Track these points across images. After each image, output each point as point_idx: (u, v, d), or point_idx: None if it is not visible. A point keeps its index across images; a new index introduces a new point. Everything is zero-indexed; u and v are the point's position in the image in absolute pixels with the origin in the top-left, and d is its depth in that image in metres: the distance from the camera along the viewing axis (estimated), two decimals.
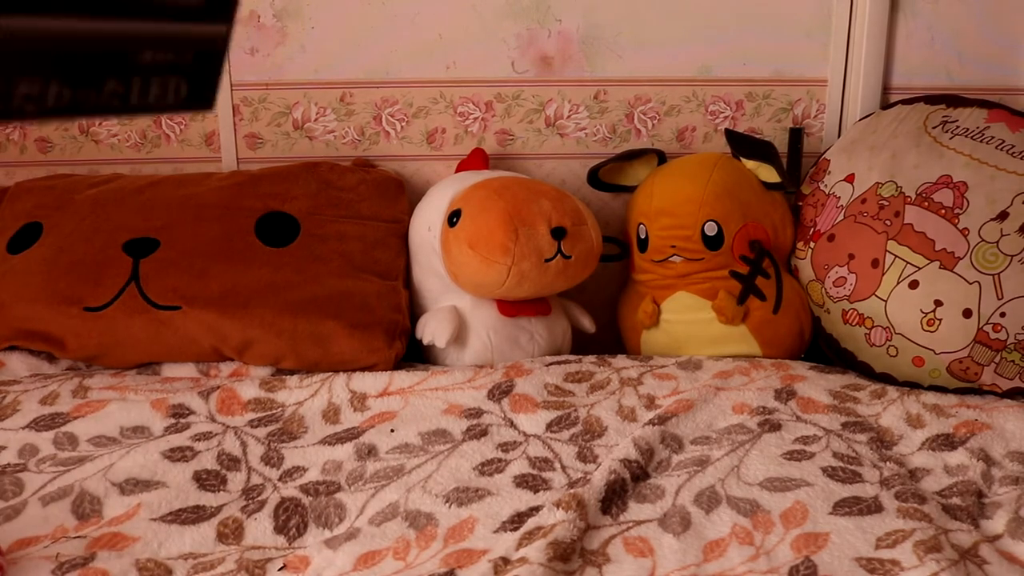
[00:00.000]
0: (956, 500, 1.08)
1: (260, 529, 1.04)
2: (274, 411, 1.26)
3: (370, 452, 1.17)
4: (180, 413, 1.23)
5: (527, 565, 0.91)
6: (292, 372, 1.36)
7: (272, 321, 1.37)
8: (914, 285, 1.40)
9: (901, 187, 1.45)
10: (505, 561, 0.94)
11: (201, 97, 0.43)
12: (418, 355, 1.48)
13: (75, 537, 1.01)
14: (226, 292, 1.38)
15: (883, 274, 1.43)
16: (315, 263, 1.44)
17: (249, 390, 1.29)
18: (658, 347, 1.53)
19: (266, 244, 1.44)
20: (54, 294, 1.37)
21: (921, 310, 1.39)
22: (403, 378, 1.32)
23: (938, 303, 1.39)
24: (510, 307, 1.45)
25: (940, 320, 1.38)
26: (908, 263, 1.41)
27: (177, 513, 1.05)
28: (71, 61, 0.37)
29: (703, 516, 1.02)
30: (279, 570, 0.96)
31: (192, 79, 0.43)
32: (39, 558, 0.96)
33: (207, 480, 1.11)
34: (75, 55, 0.37)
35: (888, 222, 1.43)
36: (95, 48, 0.38)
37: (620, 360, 1.41)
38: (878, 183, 1.47)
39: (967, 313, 1.37)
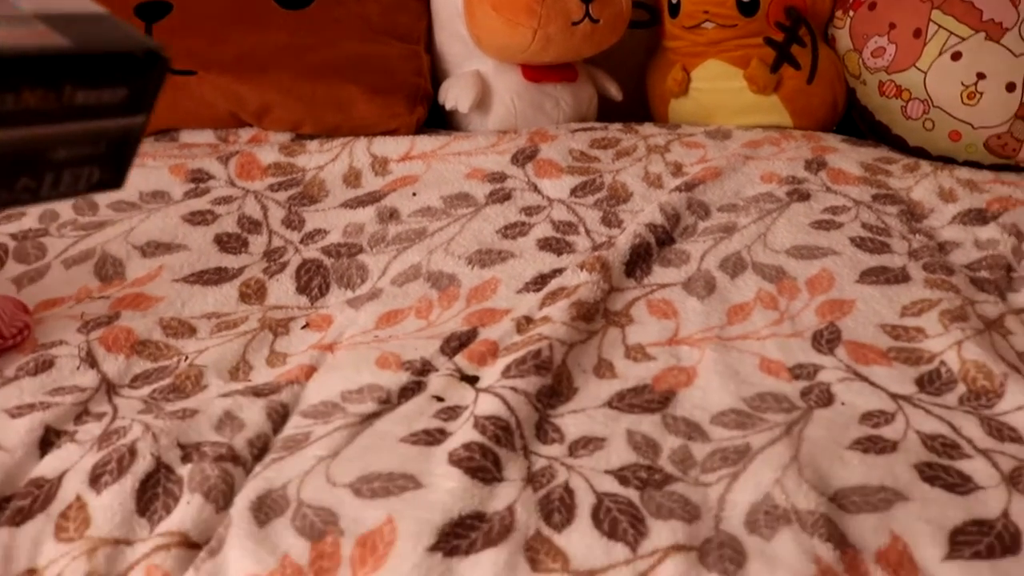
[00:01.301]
0: (984, 273, 1.07)
1: (282, 289, 1.04)
2: (294, 175, 1.25)
3: (392, 215, 1.15)
4: (199, 178, 1.22)
5: (550, 324, 0.91)
6: (312, 137, 1.33)
7: (290, 86, 1.34)
8: (956, 56, 1.35)
9: None
10: (528, 320, 0.94)
11: (112, 179, 0.42)
12: (440, 121, 1.45)
13: (99, 298, 1.01)
14: (242, 56, 1.35)
15: (924, 44, 1.37)
16: (334, 26, 1.39)
17: (269, 155, 1.27)
18: (686, 116, 1.49)
19: (283, 6, 1.40)
20: None
21: (962, 83, 1.34)
22: (425, 142, 1.29)
23: (980, 76, 1.34)
24: (535, 72, 1.40)
25: (981, 94, 1.33)
26: (952, 33, 1.35)
27: (199, 275, 1.05)
28: None
29: (728, 281, 1.02)
30: (302, 328, 0.97)
31: (104, 165, 0.42)
32: (64, 318, 0.96)
33: (228, 243, 1.10)
34: None
35: None
36: (9, 154, 0.37)
37: (647, 127, 1.38)
38: None
39: (1011, 87, 1.33)
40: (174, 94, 1.32)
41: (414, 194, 1.19)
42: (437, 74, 1.47)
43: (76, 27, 0.40)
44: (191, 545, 0.70)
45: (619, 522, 0.69)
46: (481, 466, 0.73)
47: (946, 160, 1.38)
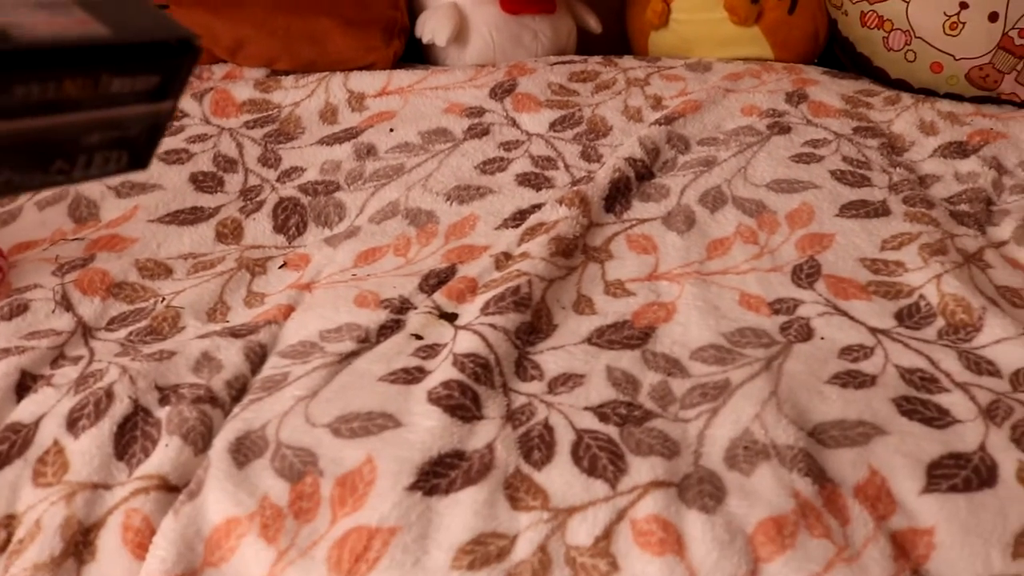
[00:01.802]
0: (964, 207, 1.07)
1: (259, 229, 1.03)
2: (270, 112, 1.23)
3: (369, 151, 1.14)
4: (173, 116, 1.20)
5: (529, 260, 0.90)
6: (287, 73, 1.31)
7: (264, 19, 1.31)
8: None
9: None
10: (507, 256, 0.93)
11: (139, 161, 0.43)
12: (418, 55, 1.42)
13: (73, 240, 0.99)
14: None
15: None
16: None
17: (243, 91, 1.25)
18: (666, 49, 1.47)
19: None
20: None
21: (945, 12, 1.33)
22: (402, 77, 1.28)
23: (963, 5, 1.32)
24: (513, 4, 1.38)
25: (964, 24, 1.32)
26: None
27: (175, 214, 1.03)
28: (21, 152, 0.38)
29: (708, 215, 1.01)
30: (279, 267, 0.96)
31: (133, 148, 0.43)
32: (39, 260, 0.95)
33: (204, 182, 1.09)
34: (27, 147, 0.38)
35: None
36: (47, 139, 0.39)
37: (627, 61, 1.37)
38: None
39: (993, 16, 1.31)
40: None
41: (391, 130, 1.17)
42: (414, 7, 1.45)
43: (112, 13, 0.41)
44: (170, 488, 0.70)
45: (599, 459, 0.69)
46: (460, 404, 0.73)
47: (927, 92, 1.37)
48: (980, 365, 0.80)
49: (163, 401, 0.76)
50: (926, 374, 0.79)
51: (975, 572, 0.62)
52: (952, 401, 0.76)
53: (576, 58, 1.37)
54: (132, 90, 0.41)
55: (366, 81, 1.27)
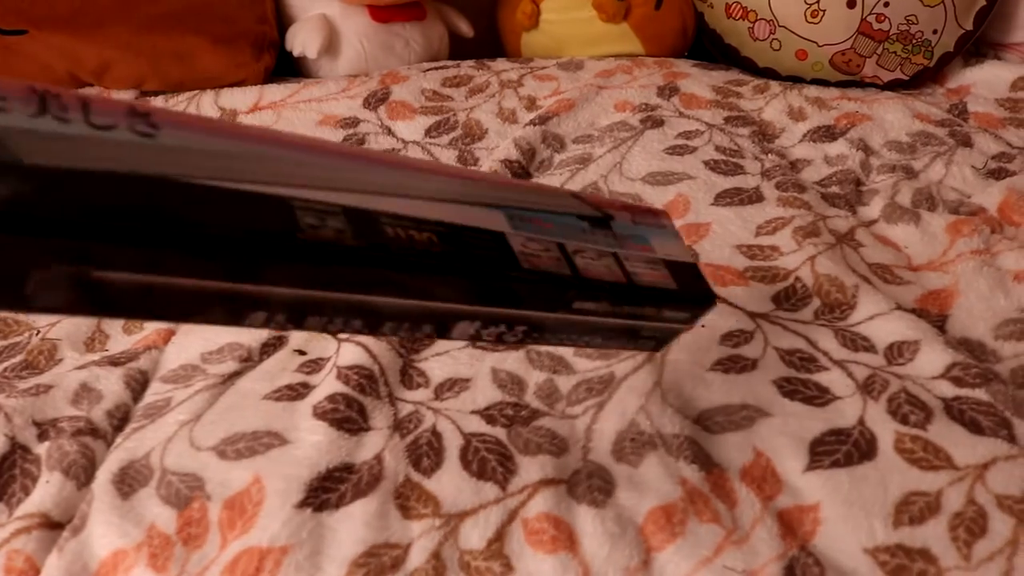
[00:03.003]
0: (835, 188, 1.09)
1: None
2: None
3: None
4: None
5: None
6: (156, 94, 1.29)
7: (129, 40, 1.28)
8: None
9: None
10: None
11: (658, 347, 0.68)
12: (290, 69, 1.41)
13: None
14: (76, 11, 1.28)
15: None
16: None
17: None
18: (539, 49, 1.48)
19: None
20: None
21: (805, 1, 1.36)
22: (274, 91, 1.26)
23: None
24: (382, 12, 1.37)
25: (824, 11, 1.36)
26: None
27: None
28: (616, 332, 0.63)
29: None
30: None
31: (660, 343, 0.67)
32: None
33: None
34: (621, 329, 0.64)
35: None
36: (634, 329, 0.65)
37: (500, 63, 1.37)
38: None
39: (851, 3, 1.35)
40: (5, 57, 1.26)
41: None
42: (283, 20, 1.43)
43: (681, 273, 0.65)
44: (53, 525, 0.67)
45: (487, 461, 0.69)
46: (346, 417, 0.72)
47: (795, 79, 1.40)
48: (856, 342, 0.82)
49: (42, 436, 0.74)
50: (805, 354, 0.80)
51: (859, 543, 0.64)
52: (831, 379, 0.77)
53: (449, 63, 1.37)
54: (673, 317, 0.64)
55: (237, 98, 1.25)
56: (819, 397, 0.75)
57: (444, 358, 0.81)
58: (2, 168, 0.40)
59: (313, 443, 0.70)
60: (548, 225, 0.60)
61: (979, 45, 1.47)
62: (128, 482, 0.69)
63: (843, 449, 0.70)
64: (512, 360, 0.80)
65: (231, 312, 0.50)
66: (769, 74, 1.42)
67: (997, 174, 1.12)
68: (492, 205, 0.58)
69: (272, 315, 0.51)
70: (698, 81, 1.30)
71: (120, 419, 0.76)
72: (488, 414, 0.73)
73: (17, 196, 0.40)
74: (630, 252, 0.64)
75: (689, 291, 0.65)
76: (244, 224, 0.44)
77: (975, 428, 0.72)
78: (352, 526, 0.65)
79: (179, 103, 1.24)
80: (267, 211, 0.46)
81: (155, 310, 0.47)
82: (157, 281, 0.45)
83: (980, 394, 0.75)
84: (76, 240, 0.40)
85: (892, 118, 1.24)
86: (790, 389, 0.76)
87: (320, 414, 0.72)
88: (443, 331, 0.59)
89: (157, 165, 0.44)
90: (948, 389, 0.76)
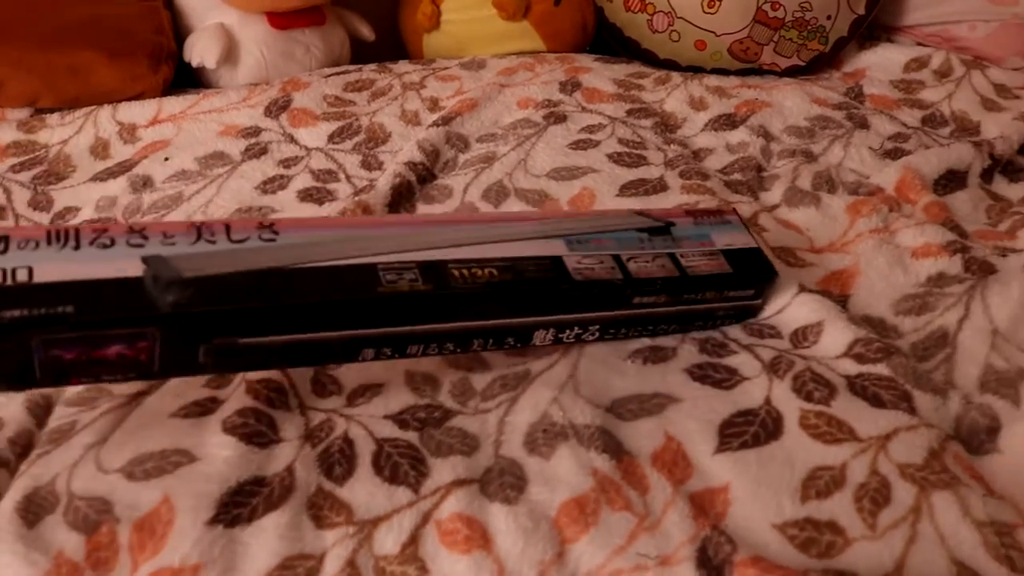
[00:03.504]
0: (737, 175, 1.11)
1: None
2: (37, 153, 1.17)
3: (145, 183, 1.10)
4: None
5: None
6: (52, 111, 1.26)
7: (21, 57, 1.25)
8: None
9: None
10: None
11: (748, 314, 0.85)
12: (190, 80, 1.39)
13: None
14: None
15: None
16: None
17: (6, 134, 1.20)
18: (441, 50, 1.48)
19: None
20: None
21: None
22: (173, 104, 1.24)
23: None
24: (281, 19, 1.36)
25: (720, 2, 1.37)
26: None
27: None
28: (685, 317, 0.82)
29: (492, 210, 1.02)
30: None
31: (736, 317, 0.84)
32: None
33: None
34: (689, 315, 0.81)
35: None
36: (698, 313, 0.82)
37: (401, 66, 1.36)
38: None
39: None
40: None
41: (166, 159, 1.14)
42: (180, 30, 1.41)
43: (741, 258, 0.79)
44: None
45: (400, 466, 0.68)
46: (256, 431, 0.71)
47: (695, 69, 1.42)
48: (763, 332, 0.83)
49: None
50: (717, 341, 0.82)
51: (768, 520, 0.65)
52: (740, 361, 0.79)
53: (351, 68, 1.36)
54: (739, 296, 0.78)
55: (136, 111, 1.23)
56: (727, 379, 0.77)
57: (357, 364, 0.80)
58: (169, 282, 0.61)
59: (223, 458, 0.69)
60: (607, 243, 0.76)
61: (872, 29, 1.50)
62: (33, 510, 0.67)
63: (751, 430, 0.71)
64: (427, 361, 0.80)
65: (347, 352, 0.69)
66: (670, 65, 1.44)
67: (893, 154, 1.15)
68: (554, 236, 0.75)
69: (379, 350, 0.70)
70: (600, 75, 1.31)
71: (23, 446, 0.74)
72: (401, 418, 0.73)
73: (179, 299, 0.61)
74: (687, 250, 0.78)
75: (745, 272, 0.79)
76: (337, 288, 0.65)
77: (877, 402, 0.73)
78: (265, 539, 0.64)
79: (75, 119, 1.22)
80: (356, 277, 0.66)
81: (289, 360, 0.67)
82: (283, 340, 0.65)
83: (882, 369, 0.76)
84: (223, 320, 0.62)
85: (791, 104, 1.26)
86: (700, 374, 0.77)
87: (229, 428, 0.71)
88: (525, 340, 0.75)
89: (276, 260, 0.65)
90: (851, 367, 0.77)
